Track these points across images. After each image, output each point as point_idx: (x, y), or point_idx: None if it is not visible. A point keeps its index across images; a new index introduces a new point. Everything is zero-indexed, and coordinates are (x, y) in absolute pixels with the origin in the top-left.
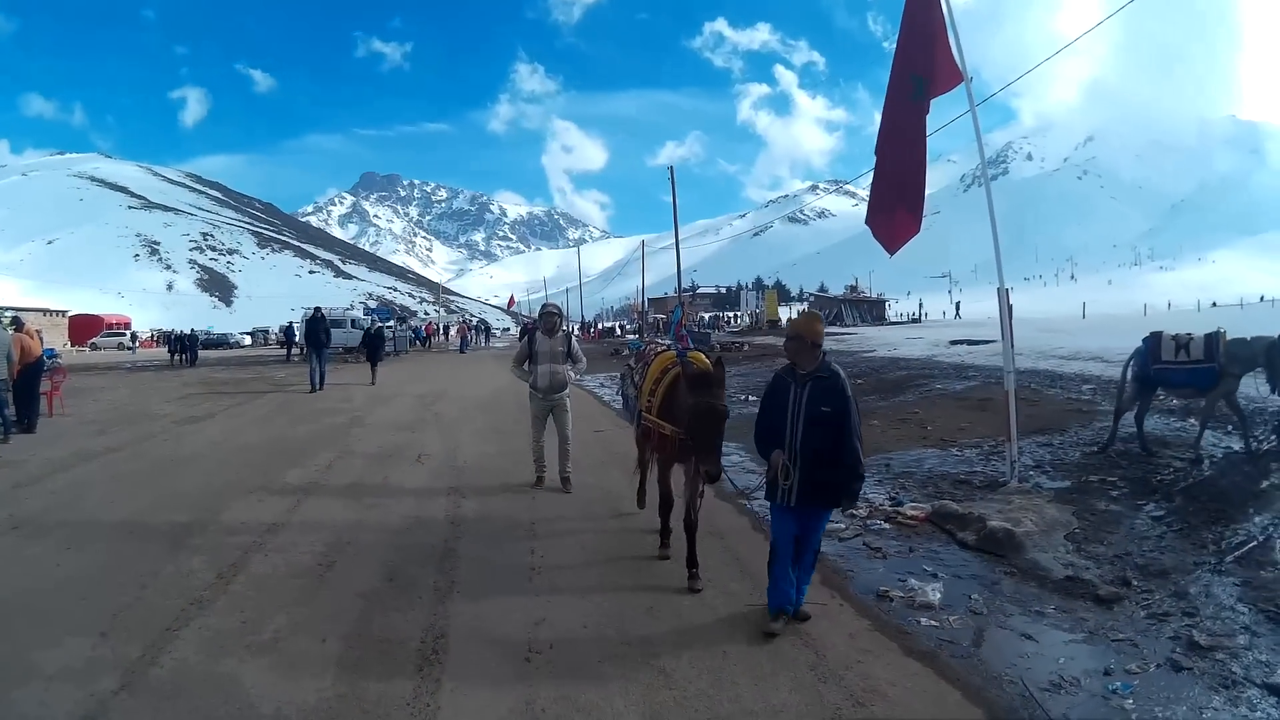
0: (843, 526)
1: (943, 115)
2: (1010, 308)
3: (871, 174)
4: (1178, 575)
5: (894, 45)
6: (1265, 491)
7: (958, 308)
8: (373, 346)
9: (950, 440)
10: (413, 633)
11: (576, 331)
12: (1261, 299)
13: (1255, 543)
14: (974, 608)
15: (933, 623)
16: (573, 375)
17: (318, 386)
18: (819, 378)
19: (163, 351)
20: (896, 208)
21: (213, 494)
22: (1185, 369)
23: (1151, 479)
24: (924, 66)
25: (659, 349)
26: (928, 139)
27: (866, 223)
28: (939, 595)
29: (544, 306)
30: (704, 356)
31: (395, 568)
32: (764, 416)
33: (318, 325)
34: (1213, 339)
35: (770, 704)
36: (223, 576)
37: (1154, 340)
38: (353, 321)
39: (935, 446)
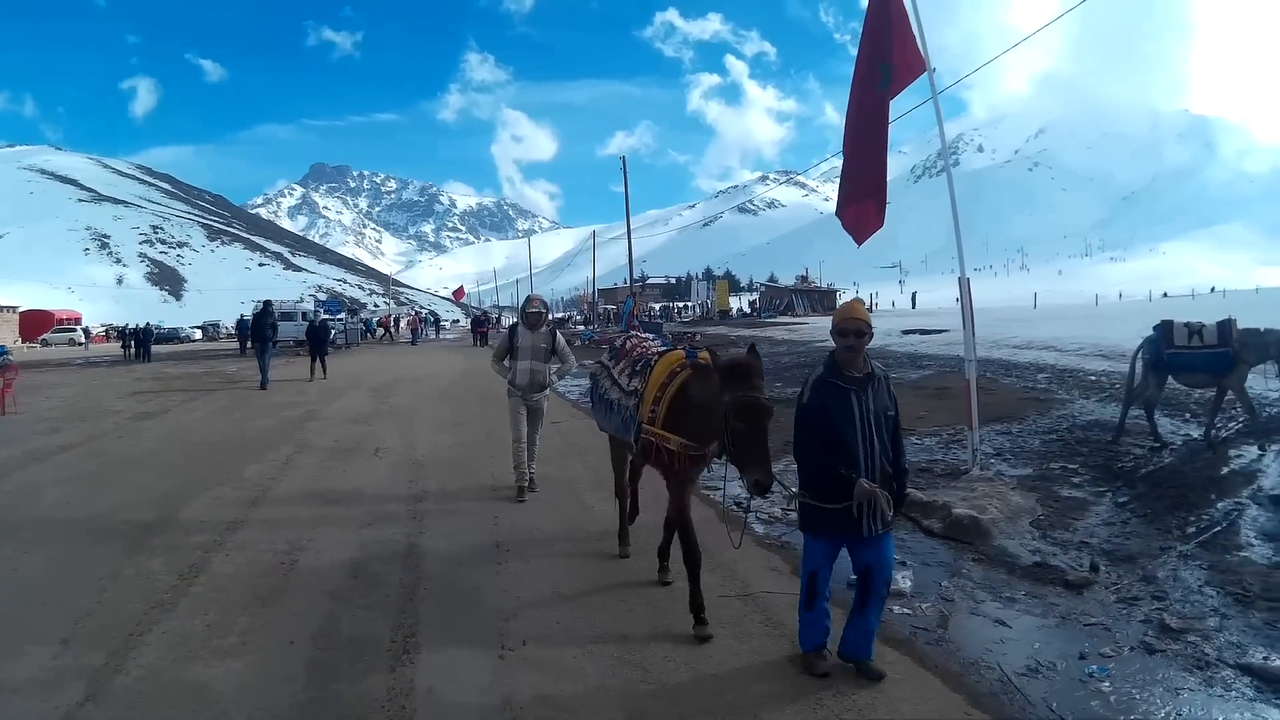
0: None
1: (897, 106)
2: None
3: (820, 165)
4: (1145, 560)
5: (846, 36)
6: (1225, 477)
7: (914, 298)
8: (316, 339)
9: (909, 429)
10: (382, 632)
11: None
12: (1213, 290)
13: (1219, 527)
14: (945, 595)
15: (905, 610)
16: (553, 377)
17: (260, 382)
18: (875, 379)
19: (115, 347)
20: (865, 199)
21: (170, 492)
22: (1200, 354)
23: (1113, 466)
24: (888, 55)
25: (648, 345)
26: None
27: (837, 214)
28: (909, 583)
29: (528, 299)
30: (709, 355)
31: (360, 564)
32: (816, 435)
33: (265, 319)
34: (1225, 325)
35: (751, 695)
36: (184, 578)
37: (1165, 327)
38: (303, 315)
39: None
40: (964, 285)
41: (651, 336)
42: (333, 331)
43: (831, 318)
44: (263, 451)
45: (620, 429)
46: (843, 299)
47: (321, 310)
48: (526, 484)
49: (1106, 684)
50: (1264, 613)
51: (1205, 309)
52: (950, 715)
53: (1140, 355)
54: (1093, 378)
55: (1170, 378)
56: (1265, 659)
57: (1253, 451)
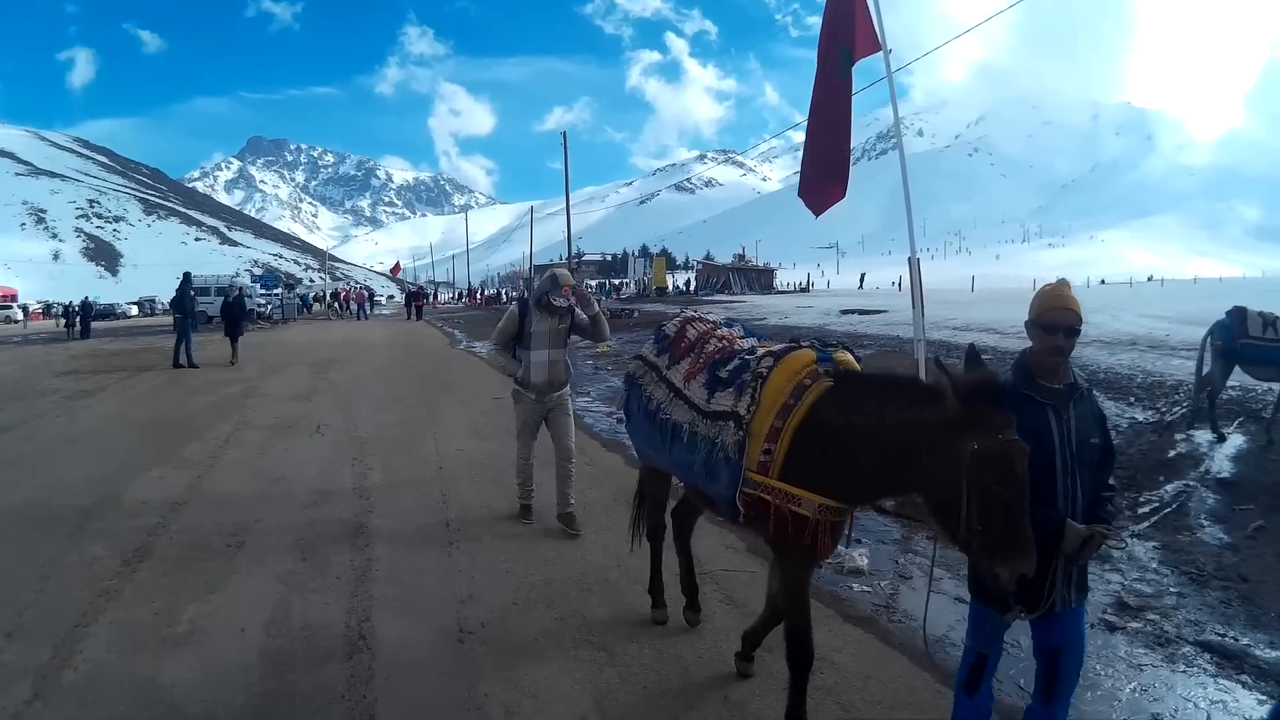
0: None
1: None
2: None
3: (759, 146)
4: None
5: (788, 18)
6: (1173, 460)
7: (862, 279)
8: (232, 318)
9: None
10: (336, 617)
11: (459, 297)
12: (1150, 279)
13: (1169, 509)
14: (902, 572)
15: (865, 588)
16: (603, 343)
17: (189, 360)
18: (1079, 391)
19: (53, 324)
20: (827, 181)
21: (110, 473)
22: (1275, 347)
23: None
24: (847, 37)
25: (729, 335)
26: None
27: (799, 194)
28: (866, 561)
29: (552, 276)
30: (852, 358)
31: (308, 546)
32: None
33: (185, 292)
34: None
35: (719, 675)
36: (128, 563)
37: (1239, 315)
38: (239, 290)
39: None
40: (914, 266)
41: (732, 323)
42: (264, 308)
43: (1031, 304)
44: (203, 429)
45: (700, 474)
46: (780, 279)
47: (240, 285)
48: (531, 501)
49: None
50: (1218, 591)
51: (1143, 296)
52: (921, 693)
53: (1210, 341)
54: None
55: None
56: (1223, 636)
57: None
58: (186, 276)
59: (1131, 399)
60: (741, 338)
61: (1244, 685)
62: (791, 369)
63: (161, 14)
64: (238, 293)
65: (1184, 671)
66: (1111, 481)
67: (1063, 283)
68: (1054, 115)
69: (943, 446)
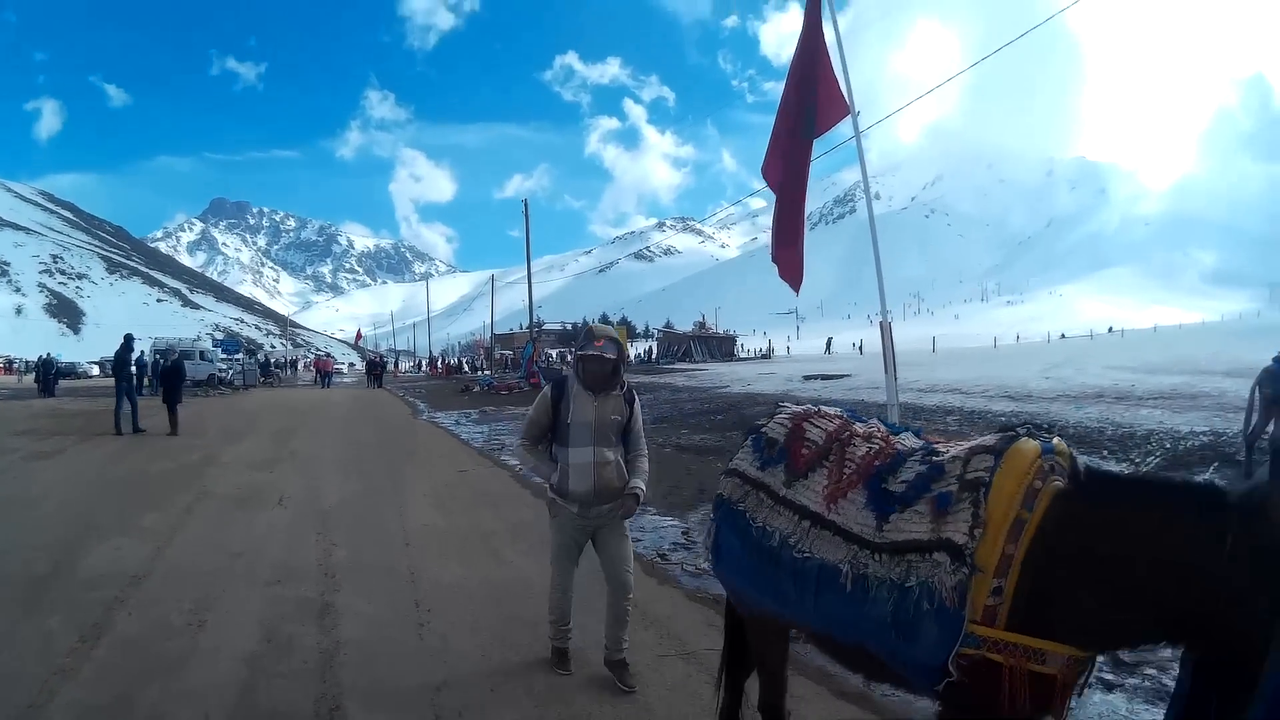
0: None
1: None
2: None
3: (716, 213)
4: None
5: (743, 84)
6: None
7: (829, 343)
8: (169, 384)
9: None
10: (304, 704)
11: (419, 366)
12: (1110, 330)
13: None
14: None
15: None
16: (639, 482)
17: (133, 427)
18: None
19: (13, 379)
20: (789, 245)
21: (67, 540)
22: None
23: None
24: (813, 99)
25: (882, 433)
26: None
27: (773, 259)
28: None
29: (588, 331)
30: (1067, 448)
31: (272, 626)
32: None
33: (126, 356)
34: None
35: None
36: (86, 639)
37: None
38: (202, 354)
39: None
40: (886, 330)
41: (856, 414)
42: (225, 372)
43: None
44: (162, 499)
45: (877, 633)
46: (742, 344)
47: (174, 349)
48: (568, 643)
49: None
50: None
51: (1104, 348)
52: None
53: (1260, 390)
54: (1001, 418)
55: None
56: None
57: None
58: (128, 339)
59: (1104, 452)
60: (893, 434)
61: None
62: (1018, 469)
63: (127, 67)
64: (176, 356)
65: None
66: None
67: None
68: (1009, 173)
69: (1256, 589)
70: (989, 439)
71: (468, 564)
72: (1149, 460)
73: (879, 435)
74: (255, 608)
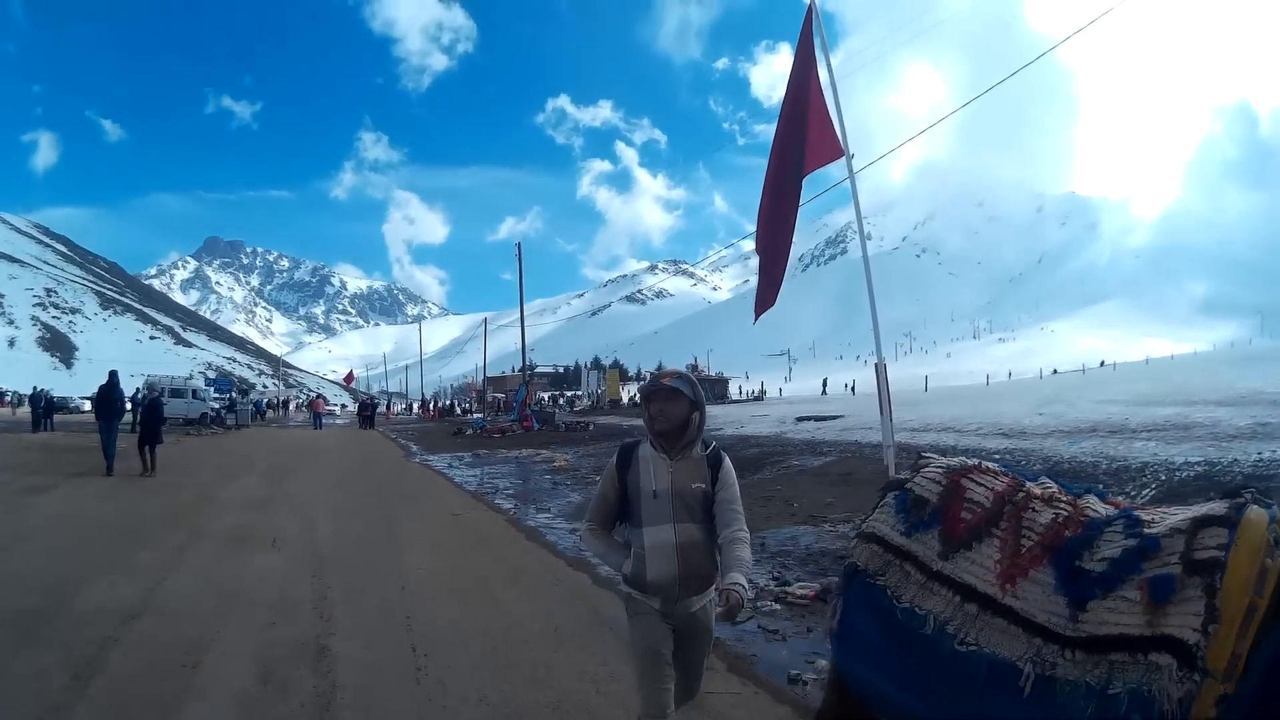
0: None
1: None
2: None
3: (709, 256)
4: None
5: (734, 126)
6: None
7: (825, 384)
8: (148, 425)
9: (820, 516)
10: None
11: (414, 409)
12: (1102, 363)
13: None
14: None
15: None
16: (738, 578)
17: (108, 468)
18: None
19: (5, 412)
20: (770, 280)
21: (61, 576)
22: None
23: None
24: (802, 139)
25: (1066, 500)
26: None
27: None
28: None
29: (655, 380)
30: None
31: (268, 667)
32: None
33: (111, 394)
34: None
35: None
36: (79, 677)
37: None
38: (194, 392)
39: (806, 523)
40: (881, 371)
41: (1071, 488)
42: (218, 411)
43: None
44: (156, 537)
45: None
46: (735, 386)
47: (153, 387)
48: None
49: None
50: None
51: (1096, 382)
52: None
53: None
54: (996, 456)
55: None
56: None
57: None
58: (113, 375)
59: (1100, 486)
60: (1078, 497)
61: None
62: (1253, 544)
63: (124, 102)
64: (156, 394)
65: None
66: None
67: None
68: (999, 210)
69: None
70: (1217, 506)
71: (464, 607)
72: (1144, 493)
73: (1062, 498)
74: (250, 649)
